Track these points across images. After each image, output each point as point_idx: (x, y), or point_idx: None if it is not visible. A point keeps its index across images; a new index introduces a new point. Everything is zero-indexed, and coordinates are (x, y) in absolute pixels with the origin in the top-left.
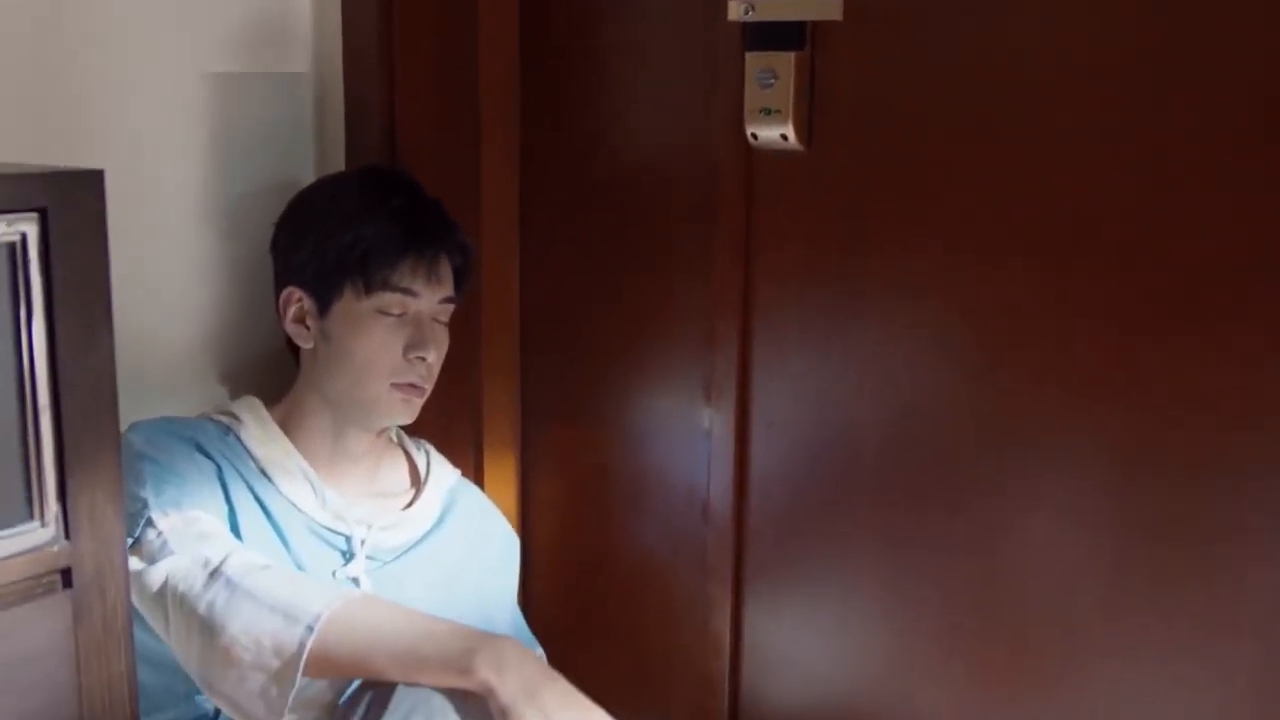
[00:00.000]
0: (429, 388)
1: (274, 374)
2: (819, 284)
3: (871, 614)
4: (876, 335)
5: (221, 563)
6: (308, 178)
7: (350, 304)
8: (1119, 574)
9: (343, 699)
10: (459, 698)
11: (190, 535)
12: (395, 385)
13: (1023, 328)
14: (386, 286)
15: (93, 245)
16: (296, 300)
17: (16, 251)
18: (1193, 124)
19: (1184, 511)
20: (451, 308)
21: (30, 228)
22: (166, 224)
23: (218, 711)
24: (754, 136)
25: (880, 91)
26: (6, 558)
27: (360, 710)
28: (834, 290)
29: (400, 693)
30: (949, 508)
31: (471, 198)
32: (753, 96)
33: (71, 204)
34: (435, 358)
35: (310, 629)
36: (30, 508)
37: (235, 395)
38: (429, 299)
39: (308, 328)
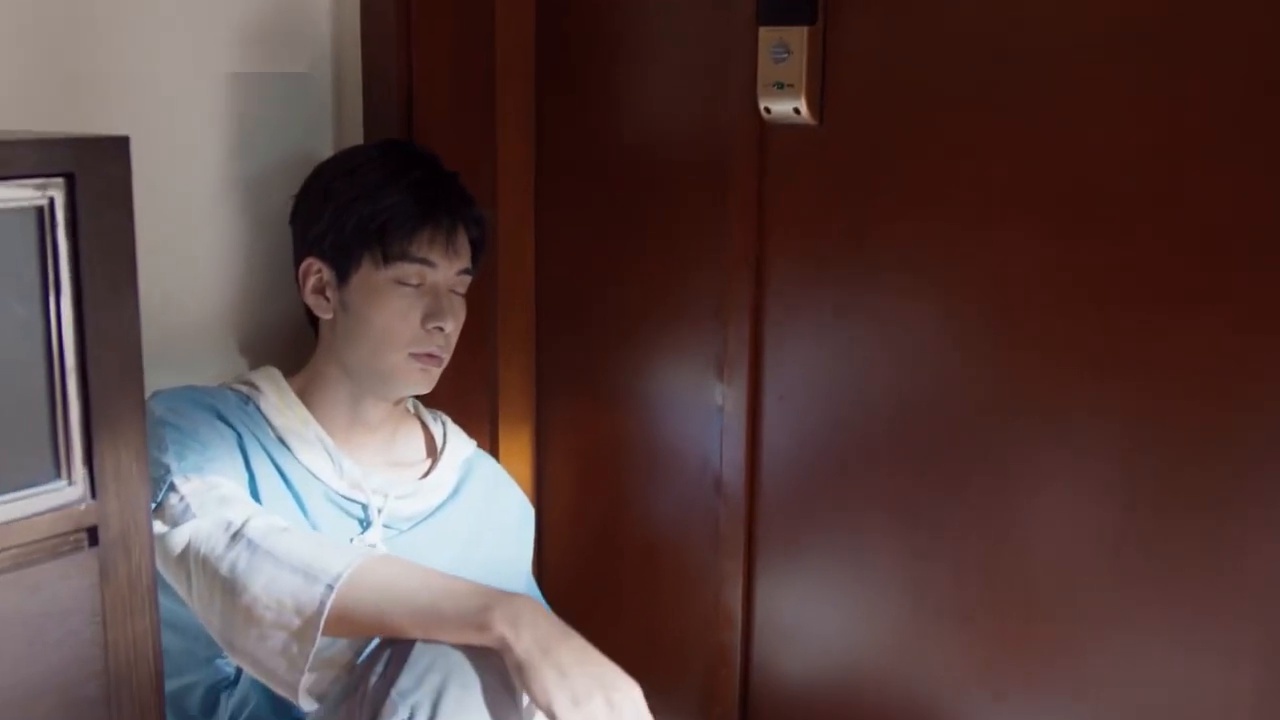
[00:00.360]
0: (446, 358)
1: (293, 345)
2: (831, 257)
3: (881, 586)
4: (887, 309)
5: (243, 525)
6: (326, 153)
7: (369, 274)
8: (1124, 546)
9: (361, 658)
10: (476, 654)
11: (212, 499)
12: (413, 355)
13: (1032, 302)
14: (404, 257)
15: (118, 209)
16: (315, 271)
17: (44, 215)
18: (1200, 99)
19: (1189, 485)
20: (469, 279)
21: (58, 193)
22: (187, 198)
23: (238, 675)
24: (767, 111)
25: (892, 66)
26: (34, 515)
27: (379, 666)
28: (845, 263)
29: (418, 649)
30: (958, 480)
31: (488, 174)
32: (766, 71)
33: (98, 169)
34: (453, 328)
35: (330, 588)
36: (58, 467)
37: (255, 366)
38: (446, 270)
39: (327, 299)
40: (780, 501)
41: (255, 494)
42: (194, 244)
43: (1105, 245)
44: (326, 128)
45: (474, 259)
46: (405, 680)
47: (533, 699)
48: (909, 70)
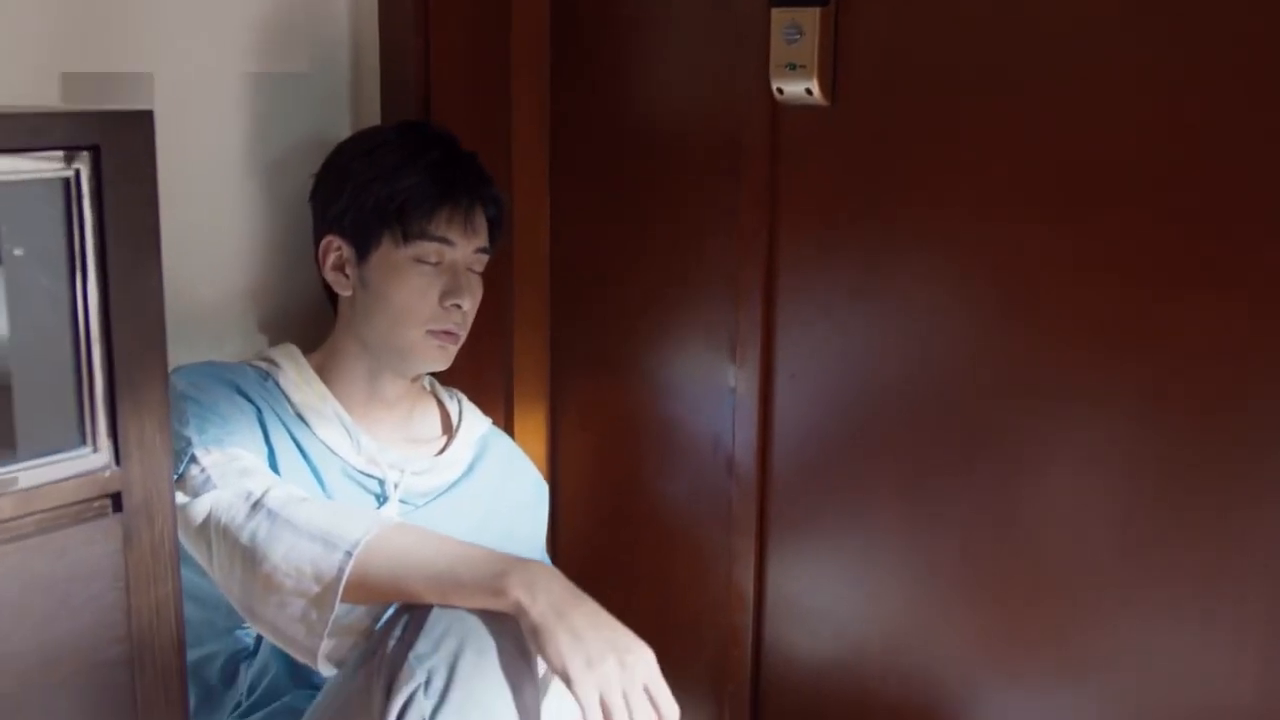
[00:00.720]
0: (463, 335)
1: (311, 323)
2: (842, 237)
3: (891, 565)
4: (898, 289)
5: (263, 495)
6: (344, 135)
7: (388, 252)
8: (1132, 524)
9: (379, 624)
10: (491, 619)
11: (232, 471)
12: (431, 332)
13: (1041, 282)
14: (424, 236)
15: (143, 181)
16: (335, 249)
17: (70, 187)
18: (1208, 80)
19: (1196, 459)
20: (486, 258)
21: (84, 165)
22: (206, 179)
23: (258, 645)
24: (779, 91)
25: (904, 46)
26: (60, 480)
27: (397, 631)
28: (857, 244)
29: (435, 615)
30: (967, 459)
31: (503, 154)
32: (778, 52)
33: (123, 142)
34: (470, 305)
35: (349, 555)
36: (83, 434)
37: (274, 343)
38: (464, 248)
39: (346, 275)
40: (792, 481)
41: (274, 467)
42: (213, 224)
43: (1113, 226)
44: (344, 110)
45: (491, 238)
46: (422, 645)
47: (547, 662)
48: (920, 51)
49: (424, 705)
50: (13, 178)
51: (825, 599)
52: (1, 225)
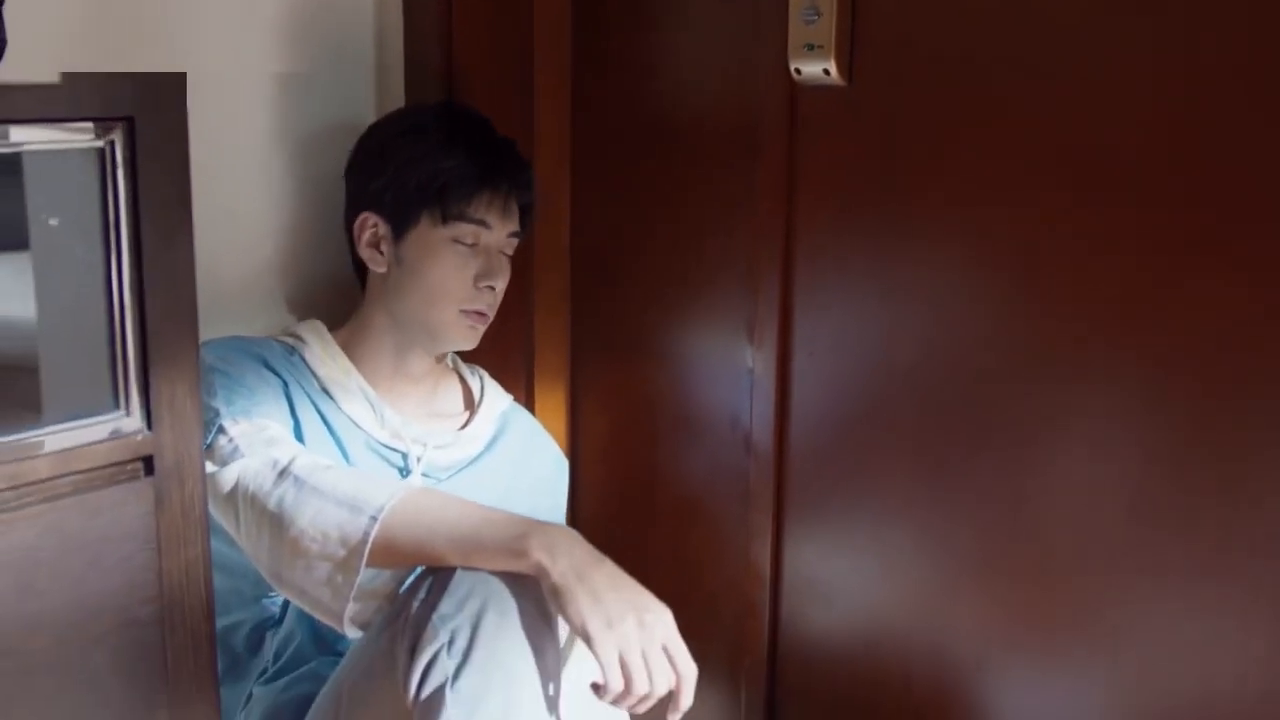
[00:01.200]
0: (492, 315)
1: (335, 301)
2: (859, 215)
3: (906, 541)
4: (913, 269)
5: (289, 463)
6: (369, 117)
7: (426, 232)
8: (1143, 494)
9: (404, 587)
10: (514, 581)
11: (260, 440)
12: (464, 311)
13: (1055, 261)
14: (463, 217)
15: (176, 149)
16: (371, 225)
17: (105, 157)
18: (1220, 59)
19: (1205, 439)
20: (516, 242)
21: (118, 135)
22: (232, 157)
23: (283, 614)
24: (797, 72)
25: (920, 27)
26: (94, 443)
27: (421, 593)
28: (873, 223)
29: (459, 577)
30: (979, 437)
31: (525, 135)
32: (796, 32)
33: (157, 111)
34: (502, 286)
35: (374, 519)
36: (116, 398)
37: (298, 320)
38: (499, 232)
39: (381, 252)
40: (809, 459)
41: (300, 439)
42: (241, 208)
43: (1124, 209)
44: (369, 95)
45: (522, 223)
46: (446, 605)
47: (568, 622)
48: (936, 32)
49: (447, 664)
50: (48, 148)
51: (841, 575)
52: (37, 195)
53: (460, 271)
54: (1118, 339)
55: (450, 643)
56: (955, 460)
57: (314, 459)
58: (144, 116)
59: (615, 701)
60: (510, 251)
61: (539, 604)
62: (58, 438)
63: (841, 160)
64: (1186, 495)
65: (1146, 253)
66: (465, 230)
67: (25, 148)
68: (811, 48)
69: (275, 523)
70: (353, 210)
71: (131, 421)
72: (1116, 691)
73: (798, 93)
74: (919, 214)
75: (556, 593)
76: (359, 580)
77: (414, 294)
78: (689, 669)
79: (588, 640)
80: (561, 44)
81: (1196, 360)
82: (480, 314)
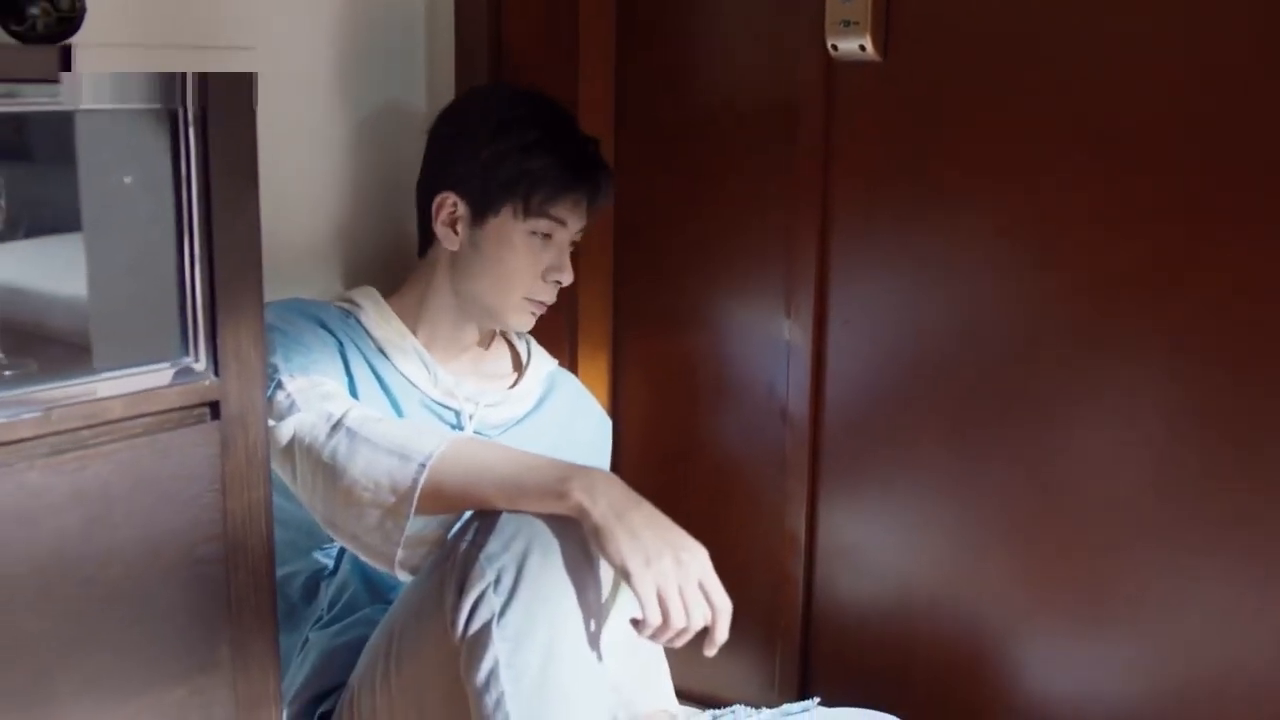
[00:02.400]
0: (551, 302)
1: (386, 269)
2: (893, 190)
3: (936, 508)
4: (945, 241)
5: (343, 416)
6: (419, 91)
7: (506, 221)
8: (1167, 462)
9: (451, 533)
10: (557, 523)
11: (316, 395)
12: (528, 299)
13: (1081, 231)
14: (544, 215)
15: (243, 111)
16: (451, 205)
17: (177, 116)
18: (1236, 34)
19: (1229, 401)
20: (581, 236)
21: (190, 97)
22: (292, 131)
23: (337, 565)
24: (834, 48)
25: (953, 5)
26: (165, 387)
27: (469, 535)
28: (906, 195)
29: (504, 519)
30: (1008, 403)
31: (571, 110)
32: (833, 10)
33: (226, 76)
34: (568, 280)
35: (423, 466)
36: (186, 345)
37: (352, 288)
38: (573, 228)
39: (456, 232)
40: (843, 429)
41: (354, 395)
42: (294, 176)
43: (1150, 180)
44: (419, 76)
45: (589, 216)
46: (493, 546)
47: (608, 560)
48: (969, 8)
49: (494, 602)
50: (123, 108)
51: (873, 542)
52: (113, 154)
53: (532, 263)
54: (1141, 311)
55: (496, 581)
56: (984, 430)
57: (366, 412)
58: (214, 78)
59: (653, 636)
60: (578, 240)
61: (582, 545)
62: (131, 380)
63: (876, 135)
64: (1208, 459)
65: (1167, 222)
66: (544, 225)
67: (103, 107)
68: (848, 24)
69: (329, 473)
70: (433, 184)
71: (200, 368)
72: (1138, 655)
73: (834, 69)
74: (951, 188)
75: (597, 532)
76: (409, 526)
77: (484, 277)
78: (724, 604)
79: (627, 577)
80: (606, 24)
81: (1217, 333)
82: (542, 304)
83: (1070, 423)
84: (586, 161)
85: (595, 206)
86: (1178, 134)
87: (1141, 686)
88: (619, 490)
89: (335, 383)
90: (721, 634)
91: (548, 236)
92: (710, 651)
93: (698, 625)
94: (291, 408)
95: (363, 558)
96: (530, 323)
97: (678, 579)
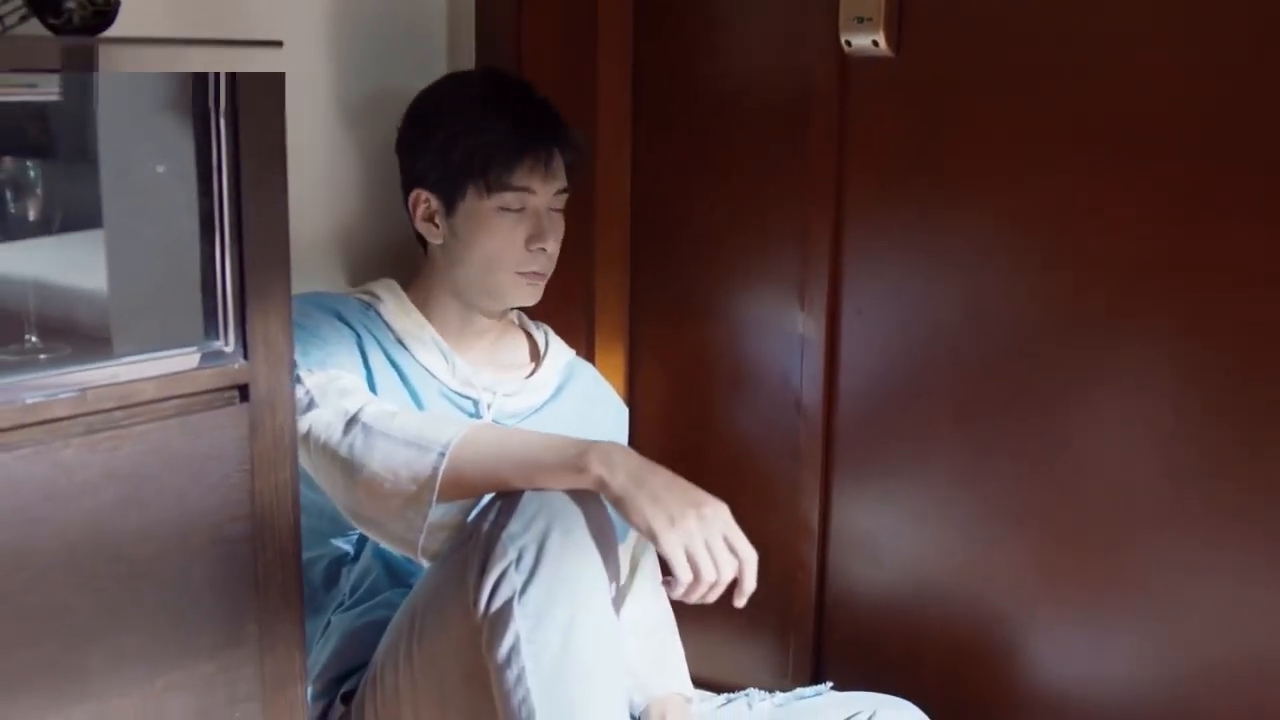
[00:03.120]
0: (550, 270)
1: (406, 259)
2: (905, 182)
3: (949, 497)
4: (956, 231)
5: (358, 411)
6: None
7: (473, 203)
8: (1176, 451)
9: (472, 515)
10: (577, 501)
11: (333, 390)
12: (520, 273)
13: (1090, 219)
14: (506, 187)
15: (272, 104)
16: (424, 201)
17: (209, 109)
18: (1245, 25)
19: (1238, 386)
20: (566, 196)
21: (221, 90)
22: (316, 130)
23: (358, 551)
24: (848, 44)
25: (963, 2)
26: (195, 369)
27: (491, 515)
28: (918, 188)
29: (526, 498)
30: (1019, 394)
31: (589, 101)
32: (847, 6)
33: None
34: (554, 246)
35: (442, 454)
36: (216, 330)
37: (373, 278)
38: (545, 194)
39: (436, 225)
40: (856, 419)
41: (372, 388)
42: (317, 169)
43: (1158, 163)
44: (441, 58)
45: (569, 177)
46: (514, 525)
47: (633, 525)
48: (979, 5)
49: (515, 580)
50: (156, 101)
51: (886, 531)
52: (146, 145)
53: (511, 238)
54: (1150, 302)
55: (518, 560)
56: (994, 421)
57: (382, 407)
58: (245, 82)
59: (685, 594)
60: (560, 206)
61: (601, 525)
62: (162, 363)
63: (889, 128)
64: (1217, 445)
65: (1178, 206)
66: (510, 199)
67: (136, 100)
68: (861, 20)
69: (346, 468)
70: (406, 185)
71: (229, 351)
72: (1147, 642)
73: (848, 64)
74: (962, 181)
75: (619, 501)
76: (431, 514)
77: (471, 263)
78: (750, 554)
79: (654, 538)
80: (624, 14)
81: (1224, 323)
82: (536, 273)
83: (1080, 413)
84: (535, 124)
85: (562, 165)
86: (1186, 127)
87: (1150, 673)
88: (635, 459)
89: (352, 376)
90: (750, 583)
91: (521, 209)
92: (740, 601)
93: (727, 577)
94: (310, 404)
95: (385, 545)
96: (534, 294)
97: (703, 535)
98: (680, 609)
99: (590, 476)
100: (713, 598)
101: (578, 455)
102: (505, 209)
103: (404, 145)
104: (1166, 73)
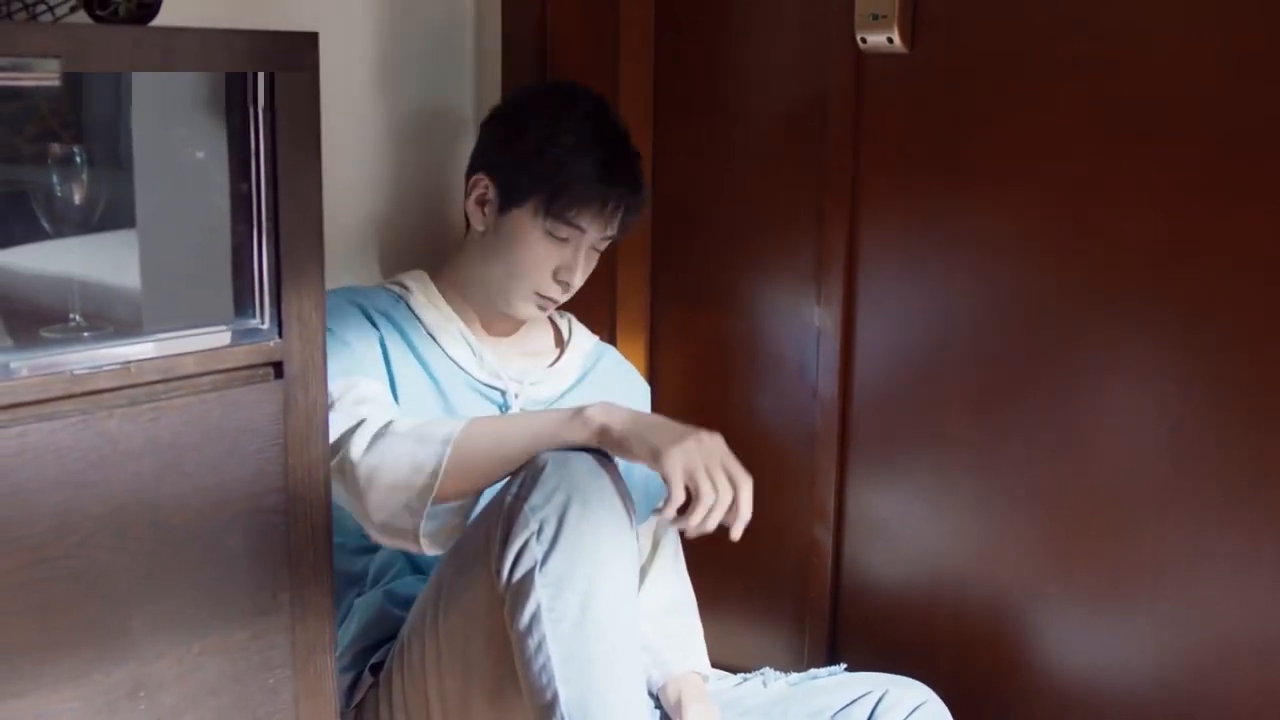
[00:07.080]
0: (563, 301)
1: (433, 253)
2: (919, 176)
3: (962, 482)
4: (970, 223)
5: (365, 420)
6: (465, 93)
7: (526, 216)
8: (1184, 433)
9: (471, 517)
10: (596, 475)
11: (350, 398)
12: (537, 294)
13: (1102, 208)
14: (563, 220)
15: (308, 92)
16: (483, 187)
17: (247, 97)
18: (1258, 14)
19: (1244, 369)
20: (609, 242)
21: (260, 79)
22: (344, 123)
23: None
24: (863, 40)
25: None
26: (232, 345)
27: (514, 488)
28: (933, 182)
29: (548, 472)
30: (1032, 382)
31: (611, 97)
32: (862, 3)
33: (291, 55)
34: (579, 282)
35: (446, 443)
36: (252, 307)
37: (404, 269)
38: (593, 236)
39: (485, 214)
40: (871, 407)
41: (393, 385)
42: (348, 164)
43: (1172, 155)
44: (467, 66)
45: (620, 229)
46: (536, 498)
47: (637, 458)
48: (992, 2)
49: (536, 550)
50: (197, 90)
51: (901, 515)
52: (186, 130)
53: (543, 262)
54: (1159, 274)
55: (539, 531)
56: (1005, 407)
57: (388, 416)
58: (280, 57)
59: (684, 519)
60: (601, 248)
61: (621, 497)
62: (201, 339)
63: (904, 123)
64: (1223, 436)
65: (1188, 193)
66: (562, 229)
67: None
68: (876, 18)
69: (352, 472)
70: (475, 163)
71: (265, 329)
72: (1157, 625)
73: (863, 60)
74: (975, 174)
75: (623, 442)
76: (431, 502)
77: (498, 263)
78: (745, 479)
79: (656, 459)
80: (646, 13)
81: (1233, 304)
82: (550, 300)
83: (1090, 398)
84: (619, 177)
85: (621, 221)
86: (1201, 119)
87: (1160, 656)
88: (630, 410)
89: (370, 382)
90: (745, 508)
91: (564, 240)
92: (736, 530)
93: (726, 500)
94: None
95: (389, 544)
96: (538, 315)
97: (703, 457)
98: (700, 591)
99: (593, 427)
100: (711, 524)
101: (576, 413)
102: (552, 235)
103: (492, 129)
104: (1181, 66)
